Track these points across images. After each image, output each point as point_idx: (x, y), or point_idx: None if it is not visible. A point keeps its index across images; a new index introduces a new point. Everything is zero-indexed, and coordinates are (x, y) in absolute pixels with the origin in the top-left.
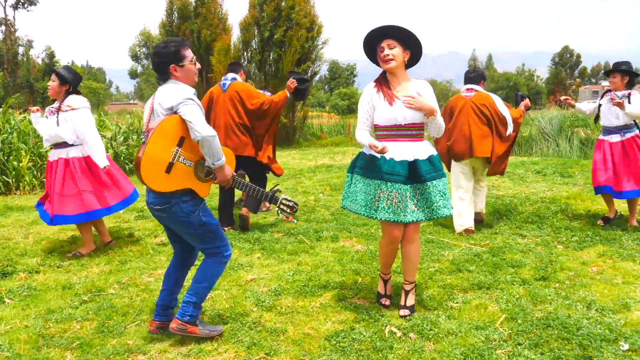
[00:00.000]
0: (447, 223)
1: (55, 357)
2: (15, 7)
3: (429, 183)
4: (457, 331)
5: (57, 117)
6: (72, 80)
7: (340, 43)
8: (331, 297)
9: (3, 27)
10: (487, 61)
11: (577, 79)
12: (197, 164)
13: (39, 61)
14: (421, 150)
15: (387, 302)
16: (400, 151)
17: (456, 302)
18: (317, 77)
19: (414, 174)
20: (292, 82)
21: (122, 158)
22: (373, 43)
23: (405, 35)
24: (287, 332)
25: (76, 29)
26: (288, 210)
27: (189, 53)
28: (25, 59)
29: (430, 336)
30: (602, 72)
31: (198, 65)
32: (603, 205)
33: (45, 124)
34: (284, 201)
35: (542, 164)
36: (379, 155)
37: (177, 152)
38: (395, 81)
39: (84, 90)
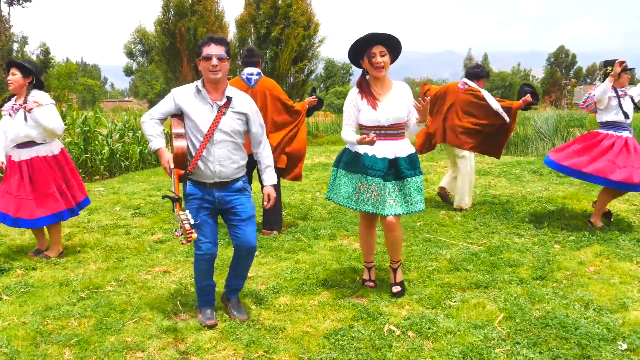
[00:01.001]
0: (444, 222)
1: (53, 354)
2: (10, 3)
3: (408, 179)
4: (455, 330)
5: (25, 114)
6: (37, 72)
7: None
8: (329, 295)
9: None
10: (483, 60)
11: (573, 79)
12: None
13: (34, 57)
14: (402, 148)
15: (372, 285)
16: (382, 149)
17: (454, 301)
18: (313, 76)
19: (395, 171)
20: (313, 99)
21: (117, 155)
22: (361, 48)
23: (394, 44)
24: (285, 330)
25: (71, 26)
26: (181, 227)
27: (204, 49)
28: (20, 56)
29: (429, 335)
30: (624, 68)
31: (214, 62)
32: None
33: (11, 123)
34: (181, 216)
35: (539, 163)
36: (362, 152)
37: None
38: (378, 85)
39: (80, 87)
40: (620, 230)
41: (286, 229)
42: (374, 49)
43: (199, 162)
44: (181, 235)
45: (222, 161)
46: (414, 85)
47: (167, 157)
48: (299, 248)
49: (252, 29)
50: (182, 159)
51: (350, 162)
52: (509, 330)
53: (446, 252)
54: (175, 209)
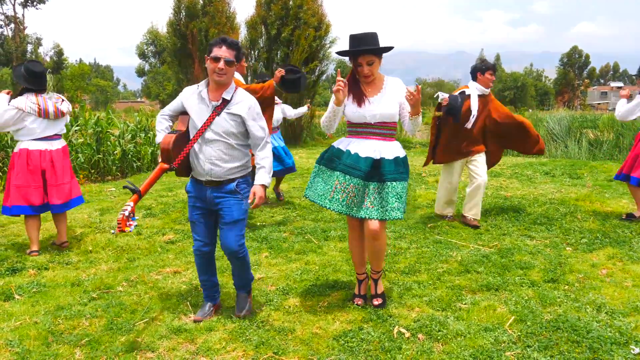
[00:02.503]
0: (455, 224)
1: (64, 354)
2: (24, 5)
3: (388, 183)
4: (465, 332)
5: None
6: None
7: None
8: (339, 297)
9: (12, 25)
10: (495, 61)
11: (586, 80)
12: None
13: (47, 59)
14: (389, 150)
15: (360, 302)
16: (367, 148)
17: (465, 303)
18: (324, 77)
19: (377, 172)
20: (279, 72)
21: (130, 156)
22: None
23: (380, 50)
24: (295, 331)
25: (84, 27)
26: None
27: (214, 50)
28: (34, 57)
29: (438, 337)
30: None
31: (220, 65)
32: (612, 207)
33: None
34: (125, 206)
35: (551, 165)
36: (344, 149)
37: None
38: (368, 82)
39: (92, 88)
40: (634, 232)
41: (297, 230)
42: (360, 59)
43: (193, 159)
44: (115, 223)
45: (214, 160)
46: (425, 86)
47: None
48: (309, 249)
49: (263, 30)
50: (164, 153)
51: (332, 158)
52: (519, 334)
53: (457, 254)
54: (129, 200)
